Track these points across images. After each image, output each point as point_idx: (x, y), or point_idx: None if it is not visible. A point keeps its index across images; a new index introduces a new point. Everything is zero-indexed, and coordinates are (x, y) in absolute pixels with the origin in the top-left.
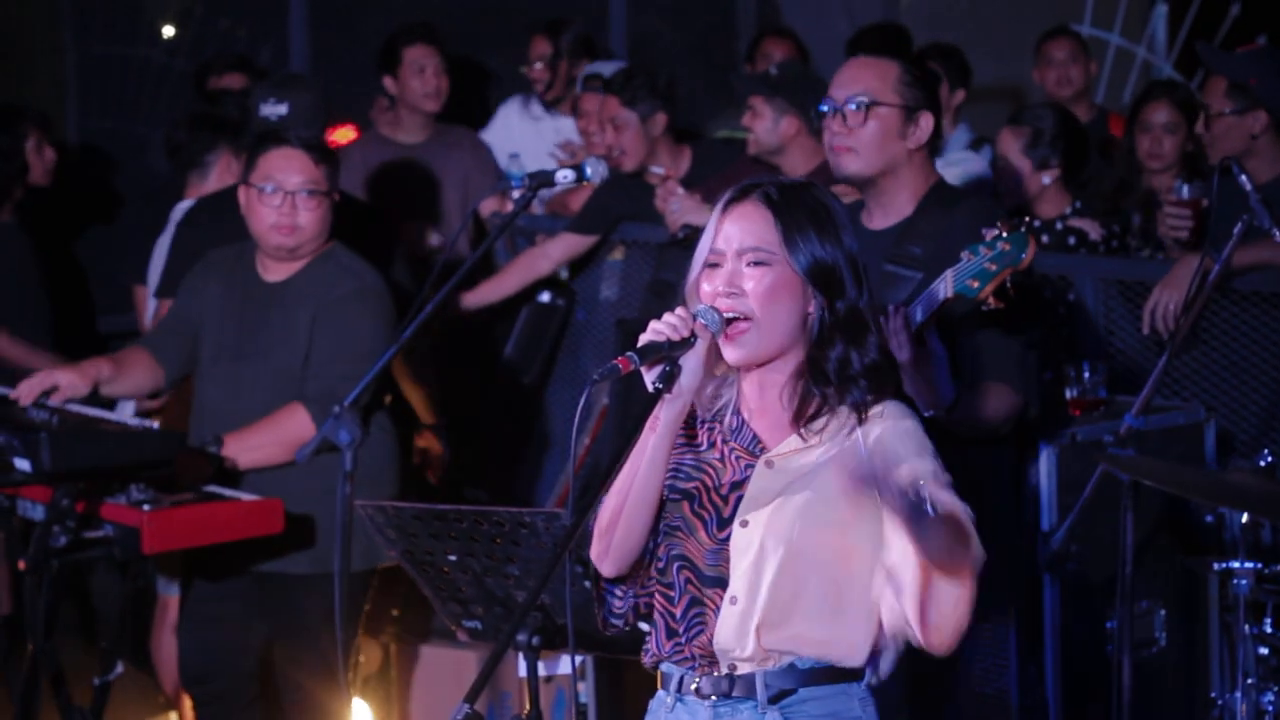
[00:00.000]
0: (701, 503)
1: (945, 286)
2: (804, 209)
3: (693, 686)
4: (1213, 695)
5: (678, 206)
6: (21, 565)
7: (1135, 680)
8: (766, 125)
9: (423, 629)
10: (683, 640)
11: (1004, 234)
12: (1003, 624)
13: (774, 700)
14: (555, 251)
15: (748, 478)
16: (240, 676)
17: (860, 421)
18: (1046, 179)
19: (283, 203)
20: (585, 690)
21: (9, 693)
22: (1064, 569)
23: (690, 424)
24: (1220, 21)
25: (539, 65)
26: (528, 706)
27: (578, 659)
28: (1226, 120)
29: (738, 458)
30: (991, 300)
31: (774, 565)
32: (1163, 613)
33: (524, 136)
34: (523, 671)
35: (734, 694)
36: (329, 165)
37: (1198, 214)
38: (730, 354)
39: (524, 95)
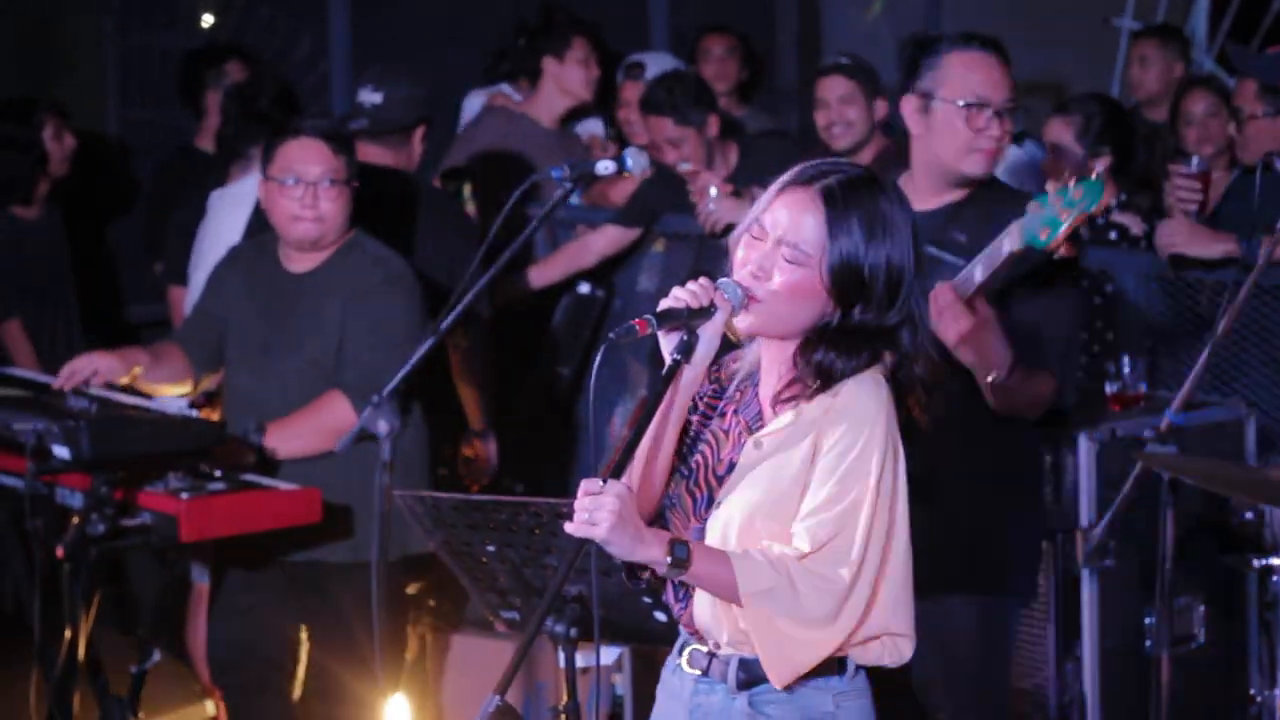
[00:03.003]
0: (696, 480)
1: (1010, 241)
2: (862, 215)
3: (686, 655)
4: (1251, 692)
5: (714, 208)
6: (59, 553)
7: (1173, 677)
8: (861, 111)
9: (459, 618)
10: (676, 612)
11: (1075, 181)
12: (1041, 619)
13: (743, 686)
14: (598, 245)
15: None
16: (270, 667)
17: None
18: (1099, 167)
19: (304, 194)
20: (622, 682)
21: (46, 681)
22: (1102, 565)
23: (719, 397)
24: (1263, 16)
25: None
26: (565, 698)
27: (616, 651)
28: (1259, 123)
29: (740, 432)
30: (1064, 249)
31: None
32: (1201, 609)
33: None
34: (560, 662)
35: (710, 674)
36: (348, 154)
37: (1206, 186)
38: (739, 321)
39: (488, 87)
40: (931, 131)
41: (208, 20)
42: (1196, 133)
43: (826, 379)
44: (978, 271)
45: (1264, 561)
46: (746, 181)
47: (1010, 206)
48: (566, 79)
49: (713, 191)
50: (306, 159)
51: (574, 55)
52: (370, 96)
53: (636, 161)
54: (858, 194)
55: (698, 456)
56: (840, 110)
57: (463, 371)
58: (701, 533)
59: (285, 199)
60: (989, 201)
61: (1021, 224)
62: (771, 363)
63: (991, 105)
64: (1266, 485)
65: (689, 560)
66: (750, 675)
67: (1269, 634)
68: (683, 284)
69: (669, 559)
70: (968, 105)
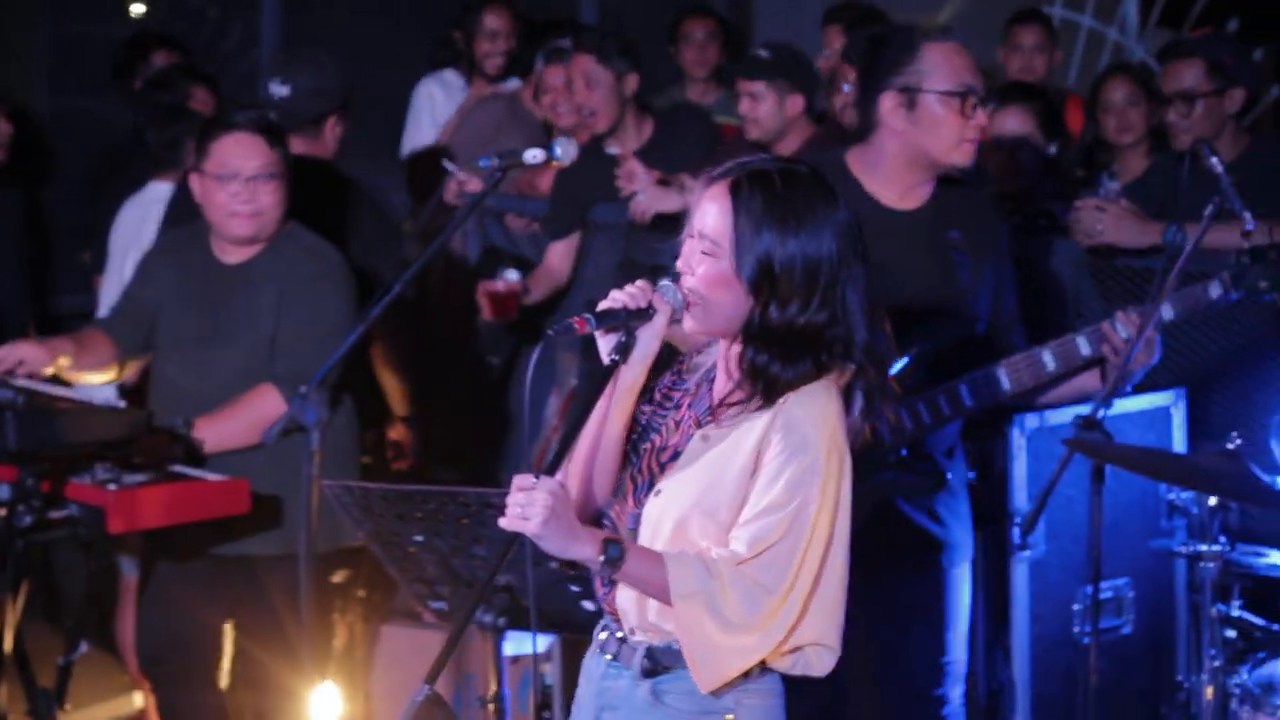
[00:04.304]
0: (640, 467)
1: (1218, 289)
2: (769, 205)
3: (602, 638)
4: (1179, 679)
5: (644, 196)
6: None
7: (1102, 662)
8: (770, 109)
9: (388, 609)
10: (600, 597)
11: None
12: (970, 606)
13: (647, 674)
14: (555, 262)
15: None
16: (199, 659)
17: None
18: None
19: (242, 189)
20: (551, 671)
21: None
22: (1032, 552)
23: (677, 388)
24: (1191, 4)
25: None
26: (493, 688)
27: (546, 640)
28: (1208, 101)
29: (689, 424)
30: None
31: (662, 543)
32: (1130, 595)
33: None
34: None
35: (620, 659)
36: (283, 146)
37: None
38: (684, 323)
39: (434, 74)
40: (918, 126)
41: (138, 9)
42: (1115, 120)
43: (768, 387)
44: (1167, 310)
45: (1192, 547)
46: (662, 155)
47: (979, 202)
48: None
49: (639, 177)
50: (243, 154)
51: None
52: (279, 89)
53: (566, 150)
54: (768, 185)
55: (647, 444)
56: (751, 106)
57: (387, 359)
58: (638, 518)
59: (222, 195)
60: (961, 198)
61: (1234, 274)
62: (723, 364)
63: (978, 92)
64: (1194, 471)
65: (622, 559)
66: (655, 664)
67: (1196, 619)
68: (613, 270)
69: (602, 557)
70: (959, 94)
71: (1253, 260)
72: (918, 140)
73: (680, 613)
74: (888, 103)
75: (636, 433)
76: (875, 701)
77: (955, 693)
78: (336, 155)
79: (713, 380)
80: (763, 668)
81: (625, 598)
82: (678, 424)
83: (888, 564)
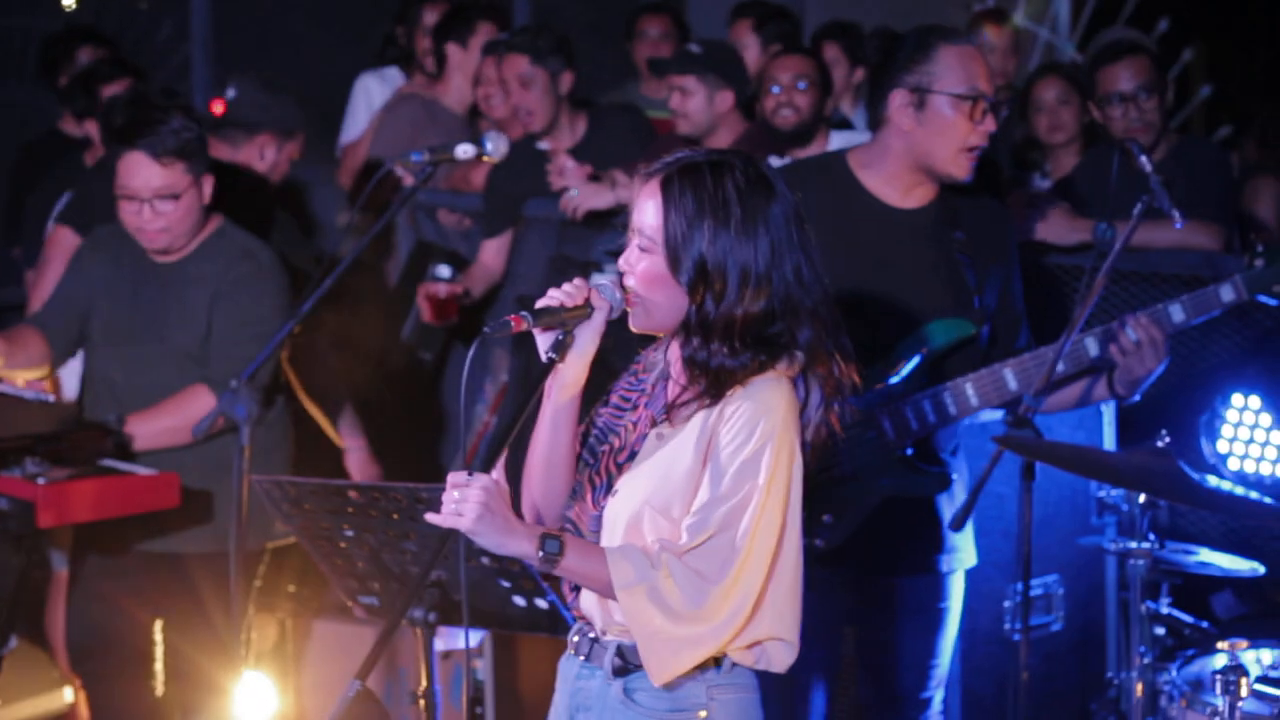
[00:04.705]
0: (598, 469)
1: (1231, 291)
2: (699, 199)
3: (574, 640)
4: (1109, 675)
5: (576, 193)
6: None
7: (1032, 659)
8: (699, 104)
9: (319, 605)
10: (570, 601)
11: None
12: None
13: (618, 673)
14: (489, 259)
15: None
16: (130, 654)
17: (719, 399)
18: None
19: (139, 209)
20: (482, 667)
21: None
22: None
23: (635, 389)
24: (1121, 5)
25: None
26: (424, 683)
27: (477, 636)
28: (1158, 98)
29: (645, 423)
30: None
31: (617, 542)
32: (1060, 592)
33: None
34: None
35: (592, 659)
36: (186, 160)
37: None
38: (631, 321)
39: (373, 70)
40: (925, 127)
41: (69, 2)
42: (1047, 120)
43: (712, 381)
44: (1178, 312)
45: (1122, 545)
46: (596, 151)
47: (985, 204)
48: (472, 66)
49: (570, 173)
50: (140, 176)
51: (478, 41)
52: (229, 91)
53: (496, 145)
54: (698, 178)
55: (605, 446)
56: (681, 101)
57: (311, 392)
58: (599, 520)
59: (125, 214)
60: (966, 200)
61: (1247, 277)
62: (676, 358)
63: (989, 99)
64: (1124, 469)
65: (561, 554)
66: (625, 662)
67: (1126, 616)
68: (544, 266)
69: (540, 553)
70: (970, 98)
71: (1268, 262)
72: (922, 141)
73: (624, 604)
74: (897, 100)
75: (594, 436)
76: (855, 699)
77: (937, 696)
78: (270, 176)
79: (669, 379)
80: (733, 662)
81: (589, 600)
82: (635, 424)
83: (886, 564)
